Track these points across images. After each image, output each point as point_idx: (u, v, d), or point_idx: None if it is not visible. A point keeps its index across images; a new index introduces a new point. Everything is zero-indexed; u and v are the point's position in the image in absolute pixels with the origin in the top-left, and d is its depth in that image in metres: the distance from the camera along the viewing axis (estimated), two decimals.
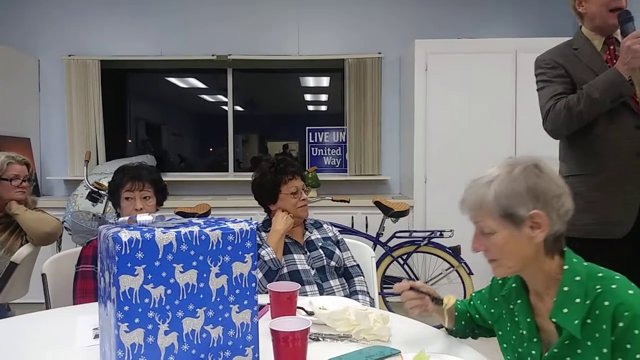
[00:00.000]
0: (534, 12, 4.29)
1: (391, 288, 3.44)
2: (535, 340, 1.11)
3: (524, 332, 1.13)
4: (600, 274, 1.03)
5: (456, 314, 1.34)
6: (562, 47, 1.87)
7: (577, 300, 1.01)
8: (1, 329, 1.42)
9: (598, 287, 1.00)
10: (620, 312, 0.95)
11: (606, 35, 1.78)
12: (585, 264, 1.07)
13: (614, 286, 0.99)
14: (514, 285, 1.17)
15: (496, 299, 1.23)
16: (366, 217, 3.81)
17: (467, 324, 1.34)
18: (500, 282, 1.24)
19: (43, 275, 1.83)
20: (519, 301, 1.15)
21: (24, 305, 2.47)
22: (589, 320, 0.99)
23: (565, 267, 1.05)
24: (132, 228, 0.99)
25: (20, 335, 1.36)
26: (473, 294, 1.38)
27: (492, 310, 1.25)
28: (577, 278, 1.03)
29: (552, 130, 1.82)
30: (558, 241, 1.07)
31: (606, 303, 0.97)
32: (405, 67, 4.23)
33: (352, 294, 1.91)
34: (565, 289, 1.03)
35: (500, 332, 1.23)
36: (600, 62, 1.76)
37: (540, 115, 1.85)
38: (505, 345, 1.21)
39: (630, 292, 0.98)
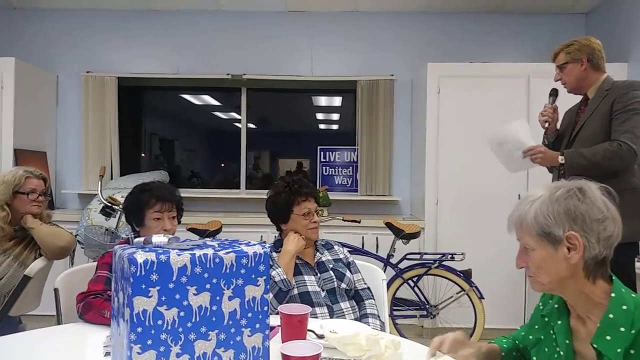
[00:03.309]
0: (546, 37, 4.30)
1: (401, 310, 3.42)
2: None
3: (561, 352, 1.13)
4: None
5: (502, 354, 1.33)
6: None
7: (622, 329, 1.00)
8: (13, 344, 1.43)
9: None
10: None
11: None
12: (634, 295, 1.06)
13: None
14: (556, 306, 1.19)
15: (536, 326, 1.24)
16: (377, 238, 3.79)
17: None
18: (541, 306, 1.26)
19: (55, 290, 1.85)
20: (559, 322, 1.16)
21: (36, 318, 2.50)
22: (632, 351, 0.98)
23: (613, 295, 1.05)
24: (147, 249, 1.00)
25: (32, 350, 1.37)
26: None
27: (530, 337, 1.26)
28: (624, 307, 1.03)
29: None
30: (601, 266, 1.08)
31: None
32: (417, 89, 4.26)
33: (362, 317, 1.89)
34: (611, 316, 1.03)
35: (534, 358, 1.23)
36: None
37: None
38: None
39: None
